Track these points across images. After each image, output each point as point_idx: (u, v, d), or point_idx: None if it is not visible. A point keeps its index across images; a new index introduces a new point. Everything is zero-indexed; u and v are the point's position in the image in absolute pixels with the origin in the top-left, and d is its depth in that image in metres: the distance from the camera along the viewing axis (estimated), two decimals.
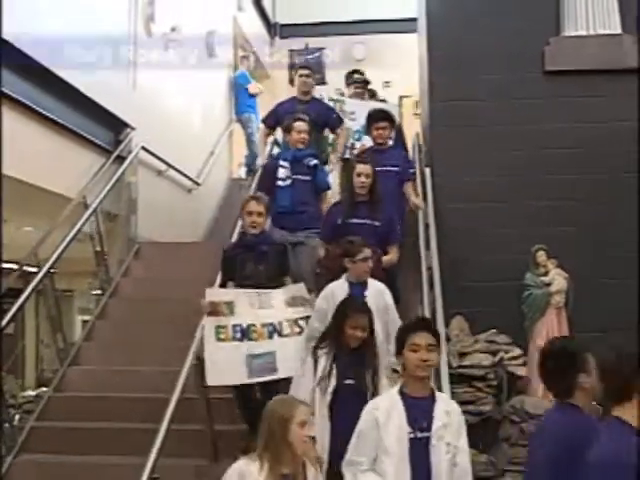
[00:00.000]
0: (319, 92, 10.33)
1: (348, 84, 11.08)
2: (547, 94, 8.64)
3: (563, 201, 8.40)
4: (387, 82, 13.94)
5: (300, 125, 7.83)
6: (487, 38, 8.78)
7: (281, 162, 7.67)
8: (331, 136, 9.39)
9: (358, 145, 9.35)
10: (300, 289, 6.33)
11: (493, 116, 8.66)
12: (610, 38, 8.68)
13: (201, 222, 12.53)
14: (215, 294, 6.32)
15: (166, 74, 11.30)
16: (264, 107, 13.71)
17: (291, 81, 15.81)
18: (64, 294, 12.24)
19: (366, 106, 9.44)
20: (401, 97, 13.50)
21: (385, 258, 6.70)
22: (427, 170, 8.64)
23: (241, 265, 6.31)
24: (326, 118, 8.91)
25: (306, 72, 9.09)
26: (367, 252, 5.87)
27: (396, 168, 7.71)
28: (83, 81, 8.53)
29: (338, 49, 16.78)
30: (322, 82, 15.58)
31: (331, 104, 9.59)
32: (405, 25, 14.73)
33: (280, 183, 7.54)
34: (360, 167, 6.91)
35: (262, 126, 9.30)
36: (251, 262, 6.31)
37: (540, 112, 8.61)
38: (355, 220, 6.79)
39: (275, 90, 15.03)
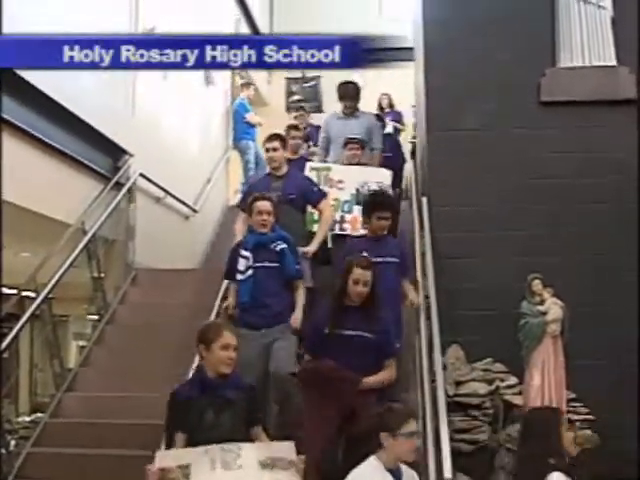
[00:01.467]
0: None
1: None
2: (543, 124, 8.69)
3: (559, 230, 8.43)
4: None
5: (261, 205, 6.66)
6: (484, 69, 8.84)
7: (242, 251, 6.63)
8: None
9: (348, 218, 8.07)
10: (285, 449, 4.66)
11: (490, 146, 8.71)
12: (606, 69, 8.74)
13: (198, 249, 12.57)
14: (167, 458, 4.53)
15: (164, 101, 11.39)
16: (262, 134, 13.82)
17: (288, 109, 15.93)
18: (59, 319, 12.23)
19: (357, 173, 8.32)
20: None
21: (379, 376, 5.66)
22: (424, 199, 8.68)
23: (198, 414, 4.72)
24: (305, 193, 7.58)
25: (273, 145, 7.59)
26: (413, 425, 4.56)
27: (395, 259, 6.74)
28: (83, 108, 8.61)
29: (334, 76, 16.86)
30: (319, 110, 15.70)
31: (313, 174, 8.24)
32: (401, 54, 14.84)
33: (239, 277, 6.56)
34: (359, 272, 5.68)
35: (241, 214, 7.62)
36: (211, 410, 4.75)
37: (536, 142, 8.65)
38: (345, 332, 5.63)
39: (273, 117, 15.09)
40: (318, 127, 10.65)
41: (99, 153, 9.50)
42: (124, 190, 9.83)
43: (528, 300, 7.86)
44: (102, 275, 9.28)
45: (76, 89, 8.48)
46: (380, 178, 8.27)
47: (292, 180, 7.61)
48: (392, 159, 10.16)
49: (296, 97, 15.91)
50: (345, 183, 8.23)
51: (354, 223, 7.98)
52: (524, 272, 7.98)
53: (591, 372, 7.76)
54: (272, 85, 18.05)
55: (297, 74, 17.51)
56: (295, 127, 9.52)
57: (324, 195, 7.72)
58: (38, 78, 7.65)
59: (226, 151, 14.78)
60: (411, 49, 10.74)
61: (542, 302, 7.81)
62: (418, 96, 10.14)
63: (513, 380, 7.61)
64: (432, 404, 6.03)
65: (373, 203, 6.97)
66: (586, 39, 8.84)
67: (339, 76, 16.35)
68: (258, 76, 17.11)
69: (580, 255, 8.36)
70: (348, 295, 5.71)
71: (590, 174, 8.51)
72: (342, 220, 8.07)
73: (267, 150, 7.65)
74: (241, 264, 6.56)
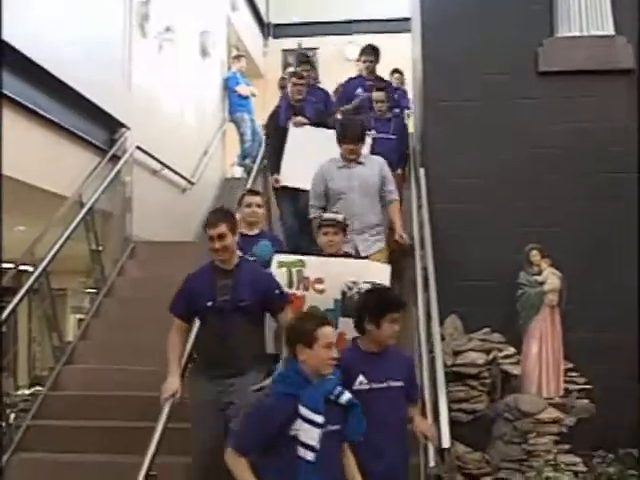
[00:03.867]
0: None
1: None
2: (541, 94, 8.65)
3: (557, 201, 8.42)
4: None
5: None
6: (481, 39, 8.78)
7: (304, 412, 4.25)
8: None
9: None
10: None
11: (487, 117, 8.67)
12: (603, 39, 8.70)
13: (195, 221, 12.56)
14: None
15: (160, 74, 11.35)
16: (258, 106, 13.83)
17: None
18: (57, 293, 12.26)
19: (343, 269, 6.10)
20: None
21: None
22: (421, 170, 8.66)
23: None
24: (263, 297, 5.53)
25: (218, 231, 5.49)
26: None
27: (400, 383, 4.99)
28: (79, 81, 8.57)
29: (331, 48, 16.90)
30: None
31: (282, 271, 5.99)
32: (399, 25, 14.80)
33: (308, 456, 4.21)
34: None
35: (175, 321, 5.87)
36: None
37: (534, 112, 8.62)
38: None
39: (268, 90, 15.06)
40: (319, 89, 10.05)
41: (96, 126, 9.48)
42: (121, 163, 9.81)
43: (526, 271, 7.87)
44: (100, 248, 9.28)
45: (72, 62, 8.45)
46: (377, 276, 6.02)
47: (245, 277, 5.55)
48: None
49: (291, 69, 15.90)
50: (326, 283, 6.00)
51: (340, 343, 5.27)
52: (522, 243, 7.99)
53: (589, 342, 7.79)
54: (268, 57, 18.02)
55: (293, 46, 17.49)
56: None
57: (287, 300, 5.70)
58: (35, 51, 7.63)
59: (223, 123, 14.73)
60: (408, 19, 10.71)
61: (540, 272, 7.82)
62: (415, 67, 10.11)
63: (511, 350, 7.63)
64: (430, 374, 6.04)
65: (386, 302, 5.05)
66: (584, 8, 8.79)
67: (336, 47, 16.39)
68: (254, 48, 17.09)
69: (580, 226, 8.35)
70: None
71: (588, 144, 8.49)
72: None
73: (211, 238, 5.50)
74: (308, 434, 4.18)
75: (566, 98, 8.63)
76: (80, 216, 8.66)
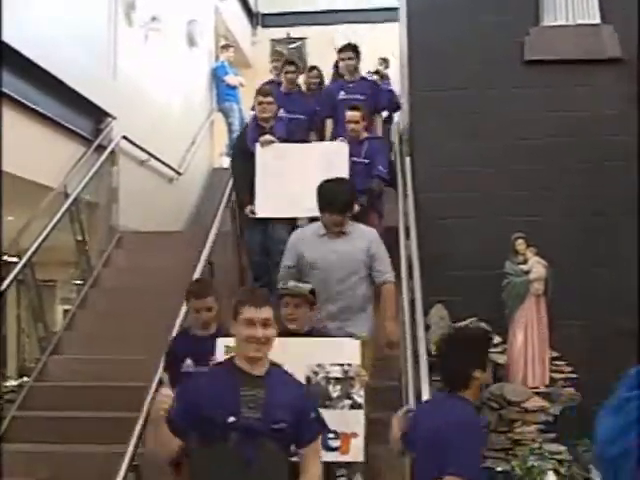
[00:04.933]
0: None
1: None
2: (527, 84, 8.64)
3: (543, 190, 8.41)
4: (368, 72, 13.93)
5: None
6: (467, 28, 8.77)
7: None
8: None
9: None
10: None
11: (473, 106, 8.66)
12: (589, 28, 8.70)
13: (182, 211, 12.56)
14: None
15: (147, 63, 11.31)
16: (246, 95, 13.80)
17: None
18: (46, 284, 12.25)
19: (309, 349, 5.04)
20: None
21: None
22: (407, 159, 8.65)
23: None
24: (298, 419, 3.89)
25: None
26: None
27: None
28: (64, 70, 8.54)
29: (320, 38, 16.87)
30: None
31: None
32: (388, 14, 14.78)
33: None
34: None
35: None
36: None
37: (520, 102, 8.62)
38: None
39: (256, 79, 15.03)
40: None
41: (81, 116, 9.45)
42: (106, 153, 9.78)
43: (511, 260, 7.87)
44: (86, 238, 9.26)
45: (57, 51, 8.42)
46: (346, 356, 5.00)
47: (280, 390, 3.91)
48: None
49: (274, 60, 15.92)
50: (286, 367, 4.28)
51: None
52: (509, 232, 7.97)
53: (575, 331, 7.80)
54: (256, 46, 17.97)
55: (282, 35, 17.46)
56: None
57: (322, 428, 4.19)
58: (18, 40, 7.60)
59: (210, 113, 14.71)
60: (396, 9, 10.68)
61: (525, 261, 7.82)
62: (402, 56, 10.08)
63: (497, 339, 7.62)
64: (414, 363, 6.05)
65: (485, 340, 4.63)
66: None
67: (325, 36, 16.35)
68: (242, 38, 17.04)
69: (565, 215, 8.35)
70: None
71: (574, 133, 8.49)
72: None
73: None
74: None
75: (552, 87, 8.62)
76: (65, 207, 8.65)
